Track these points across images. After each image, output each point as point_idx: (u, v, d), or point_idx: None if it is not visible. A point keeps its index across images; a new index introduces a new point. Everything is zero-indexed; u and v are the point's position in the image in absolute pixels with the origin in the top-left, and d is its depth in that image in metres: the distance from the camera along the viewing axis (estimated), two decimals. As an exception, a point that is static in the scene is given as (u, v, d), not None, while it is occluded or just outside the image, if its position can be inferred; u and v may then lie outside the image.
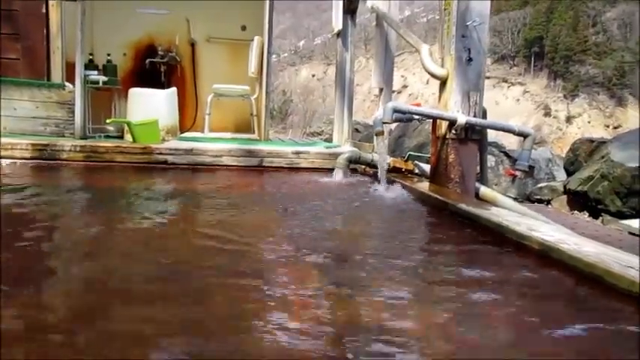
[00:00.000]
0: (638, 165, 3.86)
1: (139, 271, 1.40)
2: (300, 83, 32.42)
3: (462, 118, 2.71)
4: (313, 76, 71.56)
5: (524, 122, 60.11)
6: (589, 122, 58.84)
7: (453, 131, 2.78)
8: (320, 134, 10.60)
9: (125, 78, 5.93)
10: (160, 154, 3.61)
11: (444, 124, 2.82)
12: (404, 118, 2.91)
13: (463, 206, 2.22)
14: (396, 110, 2.75)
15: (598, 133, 56.77)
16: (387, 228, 2.10)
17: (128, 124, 4.04)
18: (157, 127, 4.01)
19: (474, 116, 2.80)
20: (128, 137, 4.10)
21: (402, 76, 61.00)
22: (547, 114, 60.03)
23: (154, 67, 6.48)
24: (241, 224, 2.00)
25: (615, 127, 57.56)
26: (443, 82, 2.85)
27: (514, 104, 63.97)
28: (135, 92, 4.70)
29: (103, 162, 3.54)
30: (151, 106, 4.53)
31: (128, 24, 6.23)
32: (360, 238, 1.86)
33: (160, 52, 6.46)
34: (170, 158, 3.60)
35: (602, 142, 4.47)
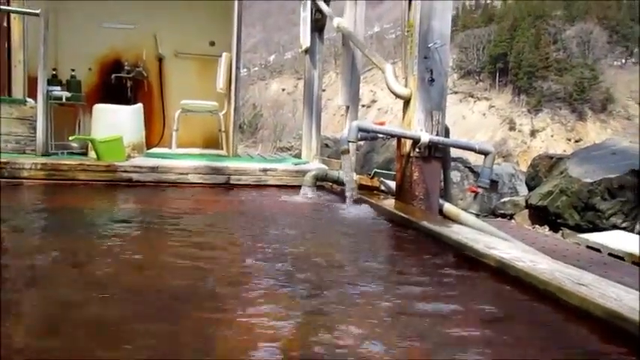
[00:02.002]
0: (593, 180, 4.02)
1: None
2: (271, 97, 32.47)
3: (425, 137, 2.77)
4: (283, 90, 71.74)
5: (491, 136, 61.67)
6: (552, 136, 60.73)
7: (417, 149, 2.84)
8: (289, 149, 10.62)
9: (90, 93, 5.84)
10: (125, 172, 3.56)
11: (408, 143, 2.88)
12: (369, 136, 2.97)
13: (426, 224, 2.26)
14: (360, 129, 2.79)
15: (561, 146, 58.66)
16: (350, 249, 2.11)
17: (92, 141, 3.98)
18: (121, 144, 3.95)
19: (437, 135, 2.87)
20: (92, 154, 4.02)
21: (371, 91, 61.77)
22: (512, 128, 61.68)
23: (120, 82, 6.40)
24: (202, 246, 1.98)
25: (577, 141, 59.56)
26: (407, 102, 2.91)
27: (480, 118, 65.52)
28: (99, 108, 4.63)
29: (65, 180, 3.47)
30: (116, 123, 4.46)
31: (93, 38, 6.15)
32: (322, 260, 1.87)
33: (126, 67, 6.39)
34: (135, 176, 3.55)
35: (560, 159, 4.63)
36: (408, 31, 2.91)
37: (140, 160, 3.90)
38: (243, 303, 1.36)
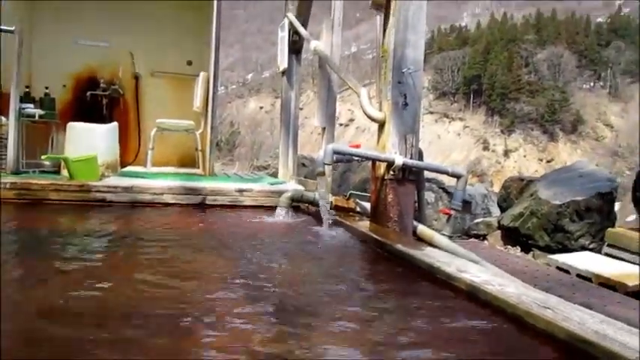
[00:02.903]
0: (562, 203, 4.13)
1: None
2: (248, 115, 32.50)
3: (399, 160, 2.82)
4: (261, 108, 71.88)
5: (465, 155, 62.79)
6: (524, 156, 62.15)
7: (391, 172, 2.88)
8: (266, 168, 10.62)
9: (65, 110, 5.78)
10: (98, 191, 3.52)
11: (383, 165, 2.93)
12: (344, 159, 3.01)
13: (399, 247, 2.29)
14: (336, 152, 2.83)
15: (533, 166, 60.04)
16: (321, 273, 2.13)
17: (65, 160, 3.92)
18: (95, 164, 3.91)
19: (411, 158, 2.92)
20: (65, 173, 3.97)
21: (349, 110, 62.38)
22: (486, 148, 62.97)
23: (95, 100, 6.35)
24: (169, 270, 1.97)
25: (548, 161, 61.10)
26: (381, 125, 2.97)
27: (455, 138, 66.72)
28: (73, 127, 4.57)
29: (36, 200, 3.41)
30: (90, 142, 4.42)
31: (68, 56, 6.11)
32: (296, 284, 1.88)
33: (102, 85, 6.35)
34: (108, 196, 3.51)
35: (531, 181, 4.75)
36: (382, 57, 2.98)
37: (114, 180, 3.85)
38: (198, 331, 1.35)
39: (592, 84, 68.56)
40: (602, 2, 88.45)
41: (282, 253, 2.40)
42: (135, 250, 2.27)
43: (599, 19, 74.53)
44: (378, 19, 3.03)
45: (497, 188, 8.68)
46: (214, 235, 2.72)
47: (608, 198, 4.18)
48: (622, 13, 76.11)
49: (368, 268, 2.33)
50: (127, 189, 3.57)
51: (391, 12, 2.92)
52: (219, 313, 1.48)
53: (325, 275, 2.06)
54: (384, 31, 2.99)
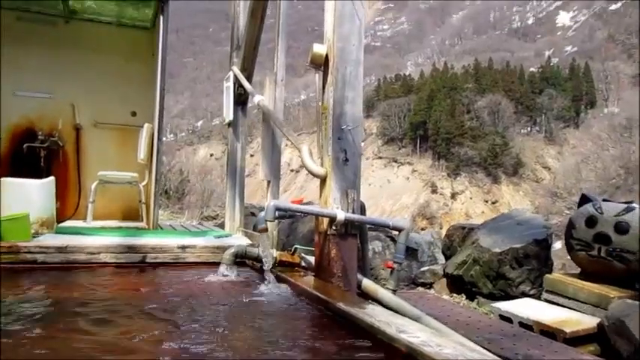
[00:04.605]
0: (502, 250, 4.25)
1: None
2: (198, 163, 32.10)
3: (340, 215, 2.84)
4: (211, 155, 71.45)
5: (415, 199, 64.27)
6: (471, 198, 64.30)
7: (334, 227, 2.89)
8: (215, 218, 10.44)
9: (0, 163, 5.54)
10: (29, 252, 3.32)
11: (325, 221, 2.93)
12: (287, 214, 3.00)
13: (341, 305, 2.27)
14: (278, 208, 2.82)
15: (479, 208, 62.09)
16: (259, 337, 2.07)
17: (-7, 219, 3.70)
18: (27, 223, 3.71)
19: (353, 212, 2.94)
20: (-6, 233, 3.73)
21: (300, 157, 62.88)
22: (434, 191, 64.80)
23: (33, 152, 6.13)
24: (90, 343, 1.86)
25: (493, 203, 63.44)
26: (323, 180, 2.99)
27: (405, 182, 68.38)
28: (5, 182, 4.35)
29: (-42, 264, 3.17)
30: (24, 198, 4.21)
31: (6, 107, 5.91)
32: (229, 349, 1.82)
33: (40, 137, 6.15)
34: (40, 257, 3.32)
35: (472, 229, 4.89)
36: (322, 113, 3.04)
37: (47, 239, 3.66)
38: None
39: (529, 129, 72.70)
40: (534, 53, 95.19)
41: (219, 316, 2.32)
42: (56, 319, 2.14)
43: (532, 69, 79.98)
44: (317, 77, 3.10)
45: (446, 230, 8.89)
46: (149, 298, 2.60)
47: (544, 244, 4.35)
48: (551, 64, 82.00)
49: (309, 330, 2.29)
50: (61, 249, 3.39)
51: (329, 70, 3.01)
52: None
53: (259, 339, 2.00)
54: (323, 88, 3.07)
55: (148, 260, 3.57)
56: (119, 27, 6.52)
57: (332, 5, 3.01)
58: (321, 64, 3.06)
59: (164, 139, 7.19)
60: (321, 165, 3.01)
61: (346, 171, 2.95)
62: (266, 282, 2.89)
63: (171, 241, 3.85)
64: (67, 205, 6.24)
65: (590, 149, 52.14)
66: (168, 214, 12.96)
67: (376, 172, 71.45)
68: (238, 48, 5.22)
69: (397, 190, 66.83)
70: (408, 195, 65.56)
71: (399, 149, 73.00)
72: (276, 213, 2.84)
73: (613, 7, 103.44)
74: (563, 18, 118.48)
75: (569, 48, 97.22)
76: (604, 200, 3.85)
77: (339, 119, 2.95)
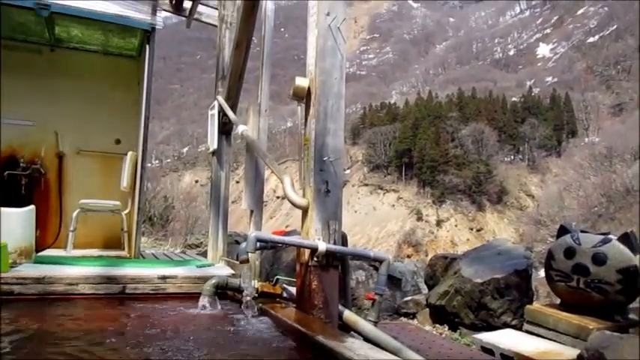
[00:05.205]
0: (483, 280, 4.28)
1: None
2: (183, 189, 31.90)
3: (322, 246, 2.85)
4: (197, 182, 71.14)
5: (401, 226, 64.36)
6: (456, 225, 64.63)
7: (315, 258, 2.89)
8: (199, 246, 10.34)
9: (-21, 192, 5.46)
10: (6, 283, 3.26)
11: (307, 252, 2.94)
12: (268, 246, 3.00)
13: (320, 339, 2.26)
14: (259, 240, 2.82)
15: (464, 235, 62.36)
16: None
17: (-30, 249, 3.63)
18: (5, 253, 3.65)
19: (334, 243, 2.96)
20: (-30, 264, 3.66)
21: (286, 182, 62.84)
22: (419, 218, 65.04)
23: (14, 180, 6.07)
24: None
25: (478, 230, 63.80)
26: (304, 211, 3.01)
27: (390, 209, 68.58)
28: (-16, 212, 4.30)
29: None
30: (2, 227, 4.15)
31: (-14, 134, 5.86)
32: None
33: (22, 164, 6.09)
34: (17, 288, 3.26)
35: (454, 259, 4.91)
36: (304, 145, 3.08)
37: (25, 269, 3.60)
38: None
39: (512, 157, 73.86)
40: (515, 83, 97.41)
41: (196, 350, 2.29)
42: (24, 356, 2.09)
43: (514, 99, 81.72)
44: (299, 109, 3.15)
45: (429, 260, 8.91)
46: (124, 332, 2.56)
47: (524, 275, 4.39)
48: (533, 94, 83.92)
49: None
50: (39, 280, 3.33)
51: (312, 103, 3.06)
52: None
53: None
54: (306, 120, 3.11)
55: (127, 291, 3.53)
56: (105, 55, 6.56)
57: (314, 40, 3.09)
58: (304, 97, 3.11)
59: (149, 165, 7.17)
60: (303, 196, 3.03)
61: (328, 202, 2.98)
62: (246, 314, 2.87)
63: (152, 271, 3.81)
64: (47, 234, 6.15)
65: (572, 177, 52.98)
66: (152, 241, 12.80)
67: (362, 199, 71.66)
68: (223, 78, 5.28)
69: (383, 217, 66.95)
70: (394, 222, 65.68)
71: (385, 176, 73.50)
72: (258, 244, 2.84)
73: (591, 39, 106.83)
74: (543, 50, 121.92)
75: (549, 78, 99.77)
76: (582, 231, 3.91)
77: (321, 151, 2.99)
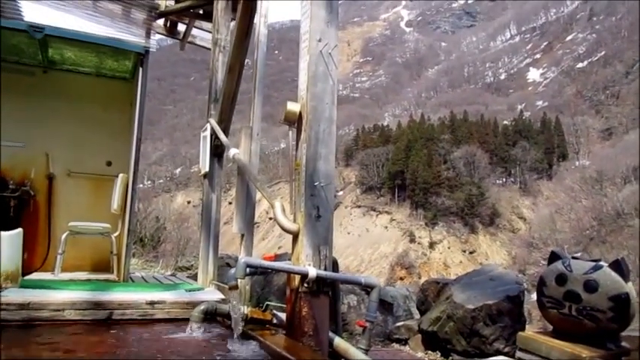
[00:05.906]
0: (475, 307, 4.24)
1: None
2: (175, 210, 31.67)
3: (312, 272, 2.82)
4: (189, 202, 70.81)
5: (394, 248, 64.16)
6: (449, 248, 64.51)
7: (305, 284, 2.86)
8: (189, 268, 10.23)
9: (-35, 214, 5.39)
10: (-11, 309, 3.19)
11: (297, 278, 2.91)
12: (258, 271, 2.97)
13: (310, 368, 2.22)
14: (249, 265, 2.79)
15: (457, 257, 62.24)
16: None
17: (-46, 273, 3.57)
18: (-10, 277, 3.59)
19: (325, 269, 2.93)
20: (-47, 288, 3.59)
21: (279, 204, 62.69)
22: (412, 240, 64.90)
23: (2, 202, 6.00)
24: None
25: (471, 252, 63.72)
26: (295, 237, 2.99)
27: (383, 231, 68.42)
28: (-30, 235, 4.23)
29: None
30: (-12, 250, 4.08)
31: (-26, 156, 5.82)
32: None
33: (11, 186, 6.03)
34: (1, 314, 3.19)
35: (446, 284, 4.88)
36: (295, 170, 3.08)
37: (11, 294, 3.53)
38: None
39: (504, 180, 74.31)
40: (506, 107, 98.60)
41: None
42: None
43: (505, 122, 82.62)
44: (291, 133, 3.16)
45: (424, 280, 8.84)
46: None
47: (516, 301, 4.36)
48: (524, 117, 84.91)
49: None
50: (23, 305, 3.26)
51: (303, 128, 3.07)
52: None
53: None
54: (297, 144, 3.11)
55: (114, 317, 3.46)
56: (98, 77, 6.57)
57: (306, 66, 3.11)
58: (295, 122, 3.12)
59: (141, 186, 7.14)
60: (294, 221, 3.01)
61: (318, 227, 2.96)
62: (234, 341, 2.82)
63: (140, 296, 3.75)
64: (35, 256, 6.06)
65: (564, 200, 53.36)
66: (143, 263, 12.65)
67: (355, 221, 71.53)
68: (216, 101, 5.30)
69: (376, 239, 66.76)
70: (387, 244, 65.50)
71: (378, 198, 73.56)
72: (247, 270, 2.81)
73: (580, 65, 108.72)
74: (534, 74, 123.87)
75: (540, 102, 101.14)
76: (573, 258, 3.90)
77: (312, 176, 2.98)
